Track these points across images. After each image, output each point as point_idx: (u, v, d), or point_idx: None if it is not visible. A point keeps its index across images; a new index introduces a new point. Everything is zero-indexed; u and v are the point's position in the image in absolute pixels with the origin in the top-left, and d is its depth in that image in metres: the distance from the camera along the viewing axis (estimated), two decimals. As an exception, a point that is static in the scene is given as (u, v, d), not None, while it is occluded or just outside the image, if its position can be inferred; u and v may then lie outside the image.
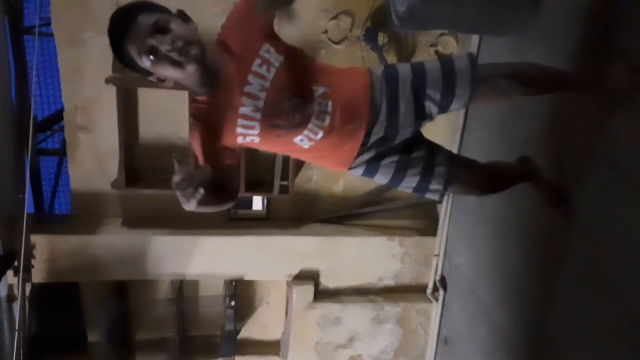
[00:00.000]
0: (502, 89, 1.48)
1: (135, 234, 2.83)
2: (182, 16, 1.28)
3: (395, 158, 1.50)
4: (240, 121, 1.33)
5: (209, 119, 1.33)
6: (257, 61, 1.31)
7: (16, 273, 2.61)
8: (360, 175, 1.55)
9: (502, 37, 2.33)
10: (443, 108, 1.47)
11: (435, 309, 3.11)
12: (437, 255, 3.06)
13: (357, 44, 2.81)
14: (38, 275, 2.77)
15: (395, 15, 2.24)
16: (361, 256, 3.08)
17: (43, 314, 3.04)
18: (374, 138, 1.44)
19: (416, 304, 3.16)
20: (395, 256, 3.13)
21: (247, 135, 1.36)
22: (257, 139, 1.37)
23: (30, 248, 2.69)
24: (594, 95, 1.72)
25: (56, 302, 3.08)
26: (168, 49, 1.19)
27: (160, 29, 1.19)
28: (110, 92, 2.63)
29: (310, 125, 1.37)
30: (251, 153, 2.78)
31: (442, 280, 3.05)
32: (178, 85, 1.33)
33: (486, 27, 2.24)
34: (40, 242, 2.74)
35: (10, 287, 2.70)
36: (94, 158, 2.83)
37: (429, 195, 1.56)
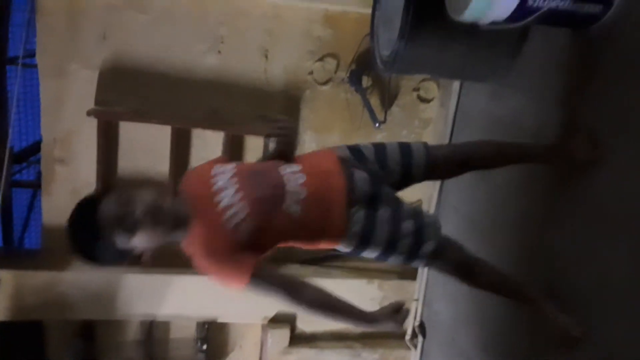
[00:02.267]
0: (458, 162, 1.72)
1: (105, 272, 2.74)
2: (126, 186, 1.49)
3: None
4: (227, 212, 1.35)
5: (216, 255, 1.36)
6: (213, 170, 1.45)
7: (-22, 310, 2.49)
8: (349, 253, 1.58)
9: (483, 82, 2.39)
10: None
11: (414, 356, 3.03)
12: (417, 300, 3.01)
13: (342, 85, 2.85)
14: (1, 312, 2.65)
15: (379, 59, 2.29)
16: (340, 299, 3.01)
17: (4, 355, 2.89)
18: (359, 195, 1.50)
19: (394, 350, 3.09)
20: (374, 300, 3.06)
21: (239, 215, 1.35)
22: (249, 223, 1.36)
23: (-6, 283, 2.58)
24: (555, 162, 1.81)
25: (19, 342, 2.94)
26: (142, 213, 1.28)
27: (125, 202, 1.29)
28: (92, 124, 2.60)
29: (289, 186, 1.42)
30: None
31: (422, 326, 2.99)
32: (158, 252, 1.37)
33: (467, 74, 2.31)
34: (6, 278, 2.63)
35: (-30, 324, 2.57)
36: (69, 191, 2.76)
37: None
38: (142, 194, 1.30)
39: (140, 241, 1.28)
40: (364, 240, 1.50)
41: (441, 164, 1.66)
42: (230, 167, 1.43)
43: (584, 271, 1.69)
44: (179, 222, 1.33)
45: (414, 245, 1.51)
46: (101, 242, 1.25)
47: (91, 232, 1.25)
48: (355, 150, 1.64)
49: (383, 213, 1.50)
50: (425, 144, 1.68)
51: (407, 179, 1.65)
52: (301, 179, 1.44)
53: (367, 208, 1.48)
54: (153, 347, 3.00)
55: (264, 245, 1.42)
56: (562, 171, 1.81)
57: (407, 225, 1.51)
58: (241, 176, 1.40)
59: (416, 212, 1.58)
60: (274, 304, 2.93)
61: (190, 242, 1.38)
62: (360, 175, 1.52)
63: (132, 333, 2.93)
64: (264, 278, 1.37)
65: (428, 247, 1.52)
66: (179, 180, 1.53)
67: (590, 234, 1.67)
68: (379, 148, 1.65)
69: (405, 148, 1.65)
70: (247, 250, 1.35)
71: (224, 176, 1.40)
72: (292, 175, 1.44)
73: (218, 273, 1.37)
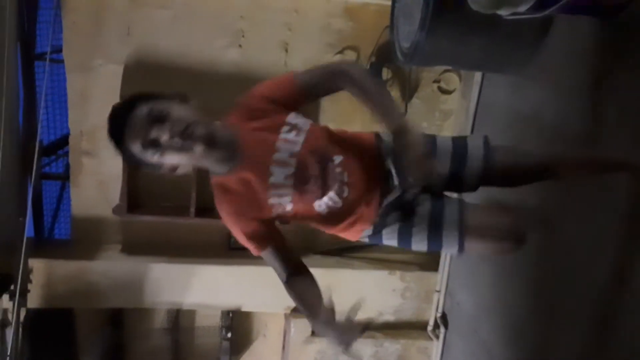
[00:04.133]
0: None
1: (133, 261, 2.81)
2: (180, 97, 1.23)
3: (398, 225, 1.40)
4: (272, 191, 1.26)
5: (240, 203, 1.26)
6: (285, 128, 1.26)
7: (12, 297, 2.58)
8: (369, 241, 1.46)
9: (505, 74, 2.37)
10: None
11: (436, 347, 3.04)
12: (439, 292, 3.01)
13: (362, 78, 2.85)
14: (34, 300, 2.74)
15: (399, 51, 2.28)
16: (361, 290, 3.03)
17: (36, 341, 2.99)
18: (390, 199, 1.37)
19: (417, 341, 3.10)
20: (396, 291, 3.08)
21: (280, 204, 1.28)
22: (289, 206, 1.29)
23: (27, 272, 2.67)
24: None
25: (50, 329, 3.03)
26: (169, 137, 1.13)
27: (157, 118, 1.13)
28: (117, 118, 2.66)
29: (332, 189, 1.30)
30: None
31: (444, 317, 3.00)
32: (196, 167, 1.27)
33: (488, 65, 2.28)
34: (38, 267, 2.72)
35: (5, 311, 2.66)
36: (96, 183, 2.84)
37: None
38: (182, 112, 1.17)
39: (165, 160, 1.17)
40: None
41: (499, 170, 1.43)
42: (300, 138, 1.26)
43: (603, 265, 1.68)
44: (216, 153, 1.21)
45: None
46: (125, 148, 1.16)
47: (117, 135, 1.16)
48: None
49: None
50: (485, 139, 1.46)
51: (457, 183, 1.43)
52: (345, 177, 1.31)
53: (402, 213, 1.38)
54: (179, 334, 3.07)
55: (289, 221, 1.37)
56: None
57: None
58: (303, 157, 1.26)
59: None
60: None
61: (222, 184, 1.28)
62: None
63: (159, 321, 3.01)
64: (272, 254, 1.33)
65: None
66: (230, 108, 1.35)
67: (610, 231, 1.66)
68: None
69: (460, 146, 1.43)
70: (271, 223, 1.31)
71: (288, 149, 1.25)
72: (340, 174, 1.31)
73: (236, 233, 1.32)
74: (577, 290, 1.81)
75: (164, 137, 1.13)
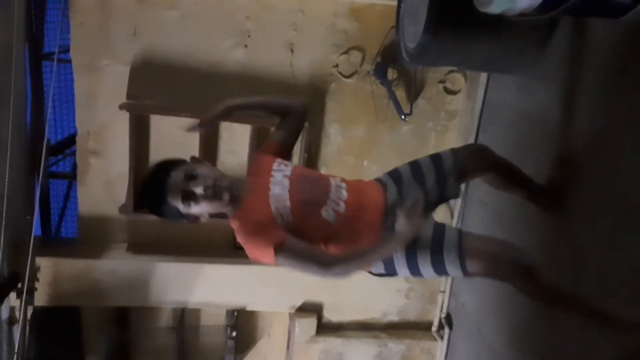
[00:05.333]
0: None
1: (139, 260, 2.83)
2: (199, 160, 1.57)
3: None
4: (272, 203, 1.51)
5: (254, 224, 1.50)
6: (275, 164, 1.60)
7: (19, 295, 2.60)
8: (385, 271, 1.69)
9: (511, 75, 2.36)
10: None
11: (440, 347, 3.04)
12: (443, 292, 3.01)
13: (367, 78, 2.86)
14: (41, 298, 2.76)
15: (405, 51, 2.28)
16: (366, 290, 3.04)
17: (43, 339, 3.01)
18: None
19: (421, 341, 3.10)
20: (400, 291, 3.09)
21: (281, 212, 1.51)
22: (290, 217, 1.52)
23: (34, 271, 2.69)
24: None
25: (57, 327, 3.06)
26: (203, 189, 1.43)
27: (191, 177, 1.44)
28: (124, 118, 2.68)
29: (332, 196, 1.57)
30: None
31: (448, 318, 3.00)
32: (213, 216, 1.54)
33: (494, 66, 2.28)
34: (45, 265, 2.74)
35: (12, 309, 2.69)
36: (103, 183, 2.86)
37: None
38: (208, 170, 1.49)
39: (198, 210, 1.47)
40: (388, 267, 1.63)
41: (471, 164, 1.77)
42: (289, 168, 1.60)
43: (613, 265, 1.68)
44: (233, 200, 1.51)
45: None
46: (166, 204, 1.45)
47: (159, 195, 1.44)
48: (395, 175, 1.75)
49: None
50: (452, 150, 1.79)
51: (442, 190, 1.73)
52: (344, 194, 1.59)
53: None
54: (184, 333, 3.09)
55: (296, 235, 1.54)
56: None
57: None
58: (295, 177, 1.57)
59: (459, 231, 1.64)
60: (301, 293, 3.01)
61: (237, 216, 1.54)
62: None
63: (164, 320, 3.02)
64: (291, 249, 1.48)
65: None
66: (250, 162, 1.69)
67: (620, 228, 1.65)
68: (414, 165, 1.76)
69: (435, 157, 1.76)
70: (280, 229, 1.50)
71: (282, 173, 1.57)
72: (337, 187, 1.60)
73: (252, 241, 1.50)
74: (583, 291, 1.80)
75: (199, 190, 1.43)
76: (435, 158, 1.75)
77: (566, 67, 1.98)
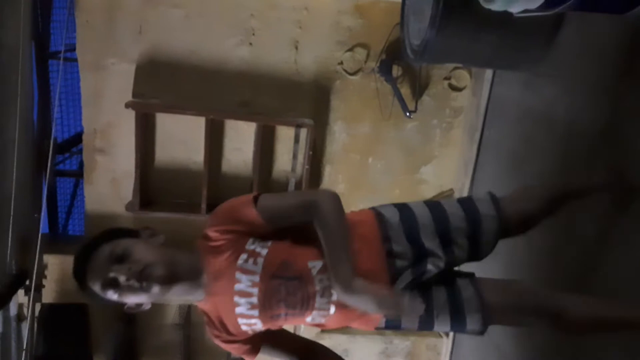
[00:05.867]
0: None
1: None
2: (148, 233, 1.24)
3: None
4: (240, 320, 1.24)
5: (219, 327, 1.27)
6: (243, 256, 1.20)
7: (27, 292, 2.62)
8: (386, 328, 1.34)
9: (516, 71, 2.35)
10: (472, 255, 1.35)
11: (445, 344, 3.04)
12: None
13: (372, 75, 2.85)
14: (48, 295, 2.79)
15: (409, 48, 2.28)
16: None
17: (50, 335, 3.04)
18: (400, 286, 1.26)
19: (426, 338, 3.10)
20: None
21: (252, 328, 1.25)
22: (262, 329, 1.26)
23: (42, 268, 2.71)
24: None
25: (64, 324, 3.08)
26: (126, 278, 1.12)
27: (118, 258, 1.14)
28: (130, 116, 2.69)
29: (317, 305, 1.21)
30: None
31: (453, 314, 3.00)
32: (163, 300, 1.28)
33: (500, 62, 2.27)
34: (53, 262, 2.76)
35: (20, 306, 2.71)
36: (109, 180, 2.88)
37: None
38: (144, 252, 1.16)
39: (124, 300, 1.18)
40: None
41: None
42: (263, 253, 1.21)
43: (624, 262, 1.67)
44: (172, 286, 1.19)
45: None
46: (86, 288, 1.17)
47: (78, 275, 1.17)
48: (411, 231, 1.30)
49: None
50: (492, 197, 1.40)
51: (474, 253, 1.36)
52: (333, 298, 1.20)
53: None
54: (190, 330, 3.10)
55: None
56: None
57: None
58: (266, 274, 1.20)
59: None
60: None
61: (203, 311, 1.30)
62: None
63: (171, 317, 3.03)
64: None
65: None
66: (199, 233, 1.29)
67: (627, 228, 1.65)
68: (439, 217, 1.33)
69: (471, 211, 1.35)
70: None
71: (250, 264, 1.20)
72: (324, 289, 1.20)
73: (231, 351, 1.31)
74: (589, 290, 1.80)
75: (122, 278, 1.13)
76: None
77: (572, 63, 1.97)
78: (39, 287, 2.71)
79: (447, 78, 2.92)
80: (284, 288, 1.20)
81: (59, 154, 3.20)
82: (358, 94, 2.90)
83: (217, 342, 1.30)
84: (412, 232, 1.29)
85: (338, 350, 2.99)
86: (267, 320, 1.24)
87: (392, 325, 1.31)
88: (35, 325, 2.80)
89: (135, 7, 2.65)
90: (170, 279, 1.17)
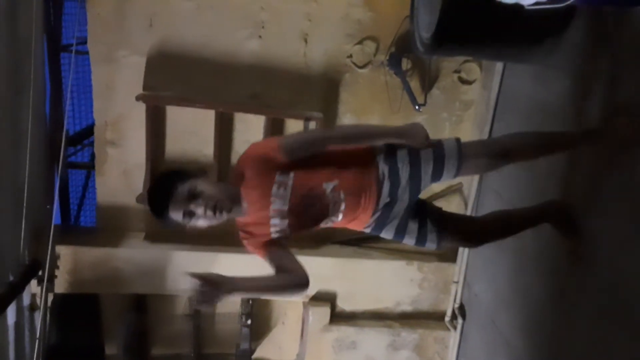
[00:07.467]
0: (484, 166, 1.82)
1: (156, 249, 2.88)
2: (206, 177, 1.61)
3: (396, 222, 1.75)
4: (272, 229, 1.63)
5: (252, 232, 1.66)
6: (275, 187, 1.60)
7: (40, 283, 2.66)
8: (370, 232, 1.79)
9: (526, 64, 2.34)
10: (434, 180, 1.75)
11: (453, 337, 3.05)
12: (457, 282, 3.02)
13: (381, 68, 2.85)
14: (61, 285, 2.83)
15: (419, 41, 2.27)
16: (379, 280, 3.06)
17: (63, 325, 3.08)
18: (381, 204, 1.71)
19: (434, 331, 3.11)
20: (414, 281, 3.10)
21: (279, 233, 1.65)
22: (289, 233, 1.66)
23: (55, 258, 2.75)
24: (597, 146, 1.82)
25: (77, 314, 3.13)
26: (203, 211, 1.50)
27: (194, 195, 1.50)
28: (140, 109, 2.71)
29: (330, 214, 1.65)
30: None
31: (461, 308, 3.00)
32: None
33: (510, 55, 2.26)
34: (65, 253, 2.80)
35: (33, 296, 2.76)
36: (121, 172, 2.90)
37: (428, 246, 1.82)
38: (212, 190, 1.54)
39: (196, 224, 1.55)
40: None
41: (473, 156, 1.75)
42: (289, 183, 1.60)
43: (629, 258, 1.67)
44: (231, 212, 1.58)
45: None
46: (167, 216, 1.52)
47: (162, 206, 1.51)
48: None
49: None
50: (457, 141, 1.76)
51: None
52: (342, 207, 1.65)
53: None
54: (200, 320, 3.14)
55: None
56: (602, 158, 1.77)
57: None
58: (295, 197, 1.61)
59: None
60: (315, 282, 3.01)
61: (240, 224, 1.69)
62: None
63: (181, 307, 3.07)
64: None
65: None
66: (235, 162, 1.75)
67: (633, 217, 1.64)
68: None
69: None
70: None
71: (281, 191, 1.60)
72: (335, 204, 1.64)
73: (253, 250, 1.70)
74: (598, 282, 1.80)
75: (199, 211, 1.50)
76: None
77: (582, 56, 1.96)
78: (52, 277, 2.75)
79: (457, 71, 2.90)
80: (306, 204, 1.62)
81: (70, 146, 3.23)
82: (367, 87, 2.90)
83: (245, 243, 1.69)
84: (390, 156, 1.72)
85: (346, 343, 3.03)
86: (294, 226, 1.63)
87: (378, 224, 1.74)
88: (48, 315, 2.84)
89: (145, 0, 2.66)
90: (231, 208, 1.56)
